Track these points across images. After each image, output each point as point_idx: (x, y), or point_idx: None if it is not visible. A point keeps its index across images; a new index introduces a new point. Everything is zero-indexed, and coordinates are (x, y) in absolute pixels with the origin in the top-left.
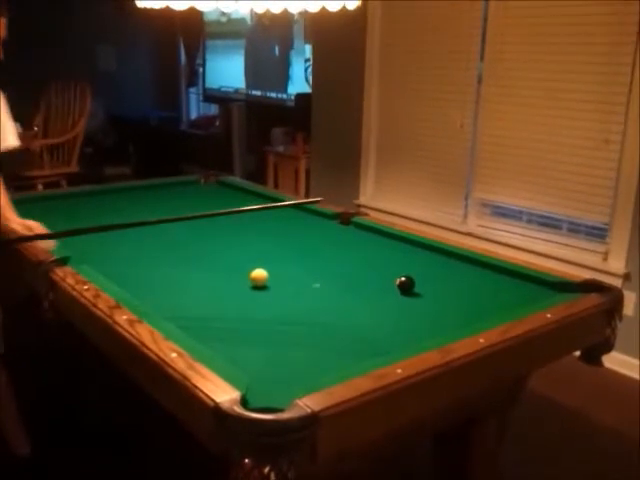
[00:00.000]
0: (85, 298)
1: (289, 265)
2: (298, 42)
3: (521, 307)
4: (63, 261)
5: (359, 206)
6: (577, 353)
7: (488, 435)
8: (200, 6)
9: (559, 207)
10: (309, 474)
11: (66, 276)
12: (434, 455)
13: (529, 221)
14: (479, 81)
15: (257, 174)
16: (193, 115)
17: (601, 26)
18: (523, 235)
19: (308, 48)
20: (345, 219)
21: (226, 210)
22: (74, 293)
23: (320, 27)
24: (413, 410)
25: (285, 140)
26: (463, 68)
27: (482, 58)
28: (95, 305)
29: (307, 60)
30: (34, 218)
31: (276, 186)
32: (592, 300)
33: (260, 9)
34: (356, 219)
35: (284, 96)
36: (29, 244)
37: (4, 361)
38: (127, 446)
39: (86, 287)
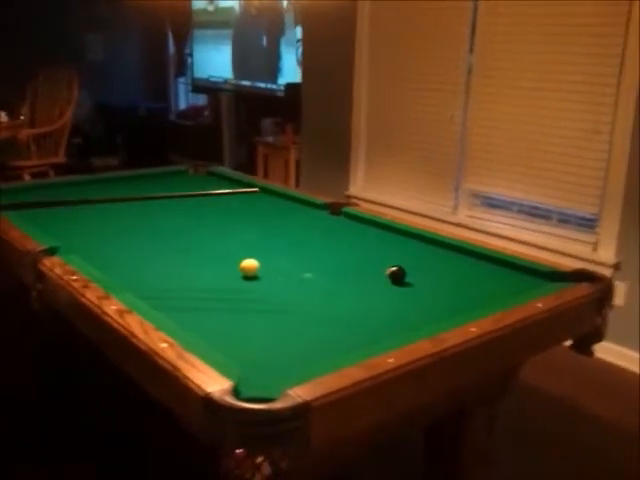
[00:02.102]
0: (73, 288)
1: (280, 255)
2: (289, 31)
3: (512, 296)
4: (51, 251)
5: (349, 197)
6: (568, 343)
7: (479, 425)
8: None
9: (549, 198)
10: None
11: (54, 266)
12: (425, 444)
13: (519, 212)
14: (469, 72)
15: (247, 165)
16: (182, 105)
17: (590, 16)
18: (513, 225)
19: (299, 30)
20: (335, 209)
21: (169, 194)
22: (62, 283)
23: (310, 17)
24: (405, 399)
25: (275, 130)
26: (453, 59)
27: (472, 49)
28: (84, 295)
29: (299, 40)
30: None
31: (266, 176)
32: (583, 289)
33: None
34: (346, 209)
35: (274, 86)
36: None
37: None
38: (124, 445)
39: (74, 277)
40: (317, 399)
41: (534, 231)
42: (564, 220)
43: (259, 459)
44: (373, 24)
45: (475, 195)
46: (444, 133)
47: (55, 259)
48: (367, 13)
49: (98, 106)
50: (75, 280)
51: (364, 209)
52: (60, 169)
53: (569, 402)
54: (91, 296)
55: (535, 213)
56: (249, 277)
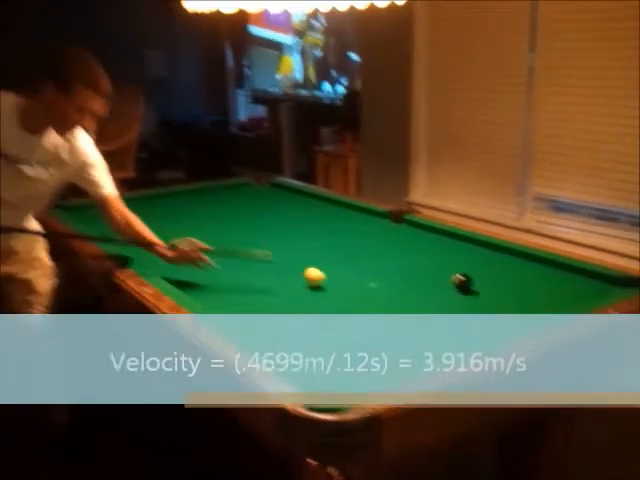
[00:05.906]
0: (147, 300)
1: (344, 265)
2: None
3: (582, 303)
4: (124, 263)
5: (410, 203)
6: None
7: (556, 437)
8: (248, 7)
9: (619, 200)
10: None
11: (127, 278)
12: (499, 455)
13: (588, 215)
14: (532, 73)
15: (307, 174)
16: (242, 117)
17: None
18: (581, 230)
19: None
20: (397, 217)
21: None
22: (136, 295)
23: (367, 24)
24: (477, 411)
25: (334, 139)
26: (515, 59)
27: (533, 49)
28: (157, 307)
29: None
30: (93, 222)
31: (326, 185)
32: None
33: (308, 9)
34: (409, 217)
35: (332, 95)
36: None
37: None
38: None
39: (147, 289)
40: (388, 411)
41: (604, 235)
42: (635, 223)
43: (331, 470)
44: (430, 28)
45: (541, 199)
46: (507, 135)
47: (128, 271)
48: (424, 18)
49: (161, 121)
50: (148, 292)
51: (427, 216)
52: (129, 183)
53: None
54: (164, 308)
55: (605, 216)
56: (314, 287)
